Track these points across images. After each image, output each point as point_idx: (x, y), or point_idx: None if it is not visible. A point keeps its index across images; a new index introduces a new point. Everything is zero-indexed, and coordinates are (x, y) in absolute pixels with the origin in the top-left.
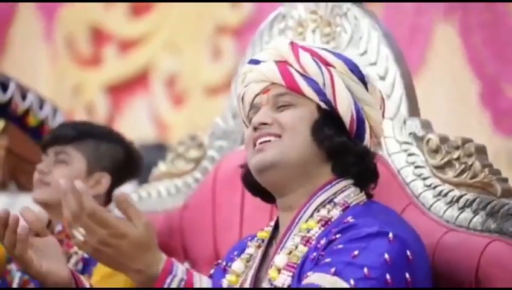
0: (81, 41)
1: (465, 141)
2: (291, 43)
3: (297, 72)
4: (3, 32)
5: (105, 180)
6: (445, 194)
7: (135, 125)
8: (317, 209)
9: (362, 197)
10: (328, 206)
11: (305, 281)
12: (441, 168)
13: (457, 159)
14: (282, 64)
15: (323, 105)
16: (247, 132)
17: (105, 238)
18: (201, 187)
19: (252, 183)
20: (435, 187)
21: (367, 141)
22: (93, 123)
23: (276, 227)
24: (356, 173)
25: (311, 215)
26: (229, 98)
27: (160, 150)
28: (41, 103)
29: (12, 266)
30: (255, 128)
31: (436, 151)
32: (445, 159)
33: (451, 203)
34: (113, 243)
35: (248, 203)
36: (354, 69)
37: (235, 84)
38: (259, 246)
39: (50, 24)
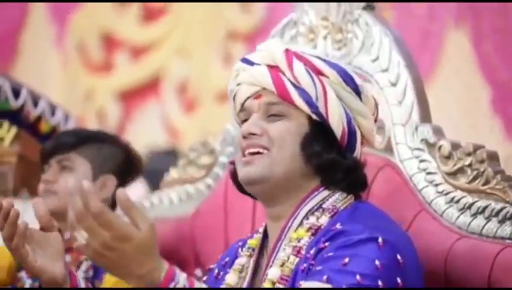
0: (93, 47)
1: (477, 148)
2: (286, 51)
3: (290, 81)
4: (14, 38)
5: (111, 182)
6: (458, 201)
7: (146, 132)
8: (306, 217)
9: (350, 199)
10: (316, 213)
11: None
12: (453, 174)
13: (470, 165)
14: (274, 70)
15: (314, 116)
16: (238, 135)
17: (108, 241)
18: (213, 194)
19: (239, 182)
20: (447, 194)
21: (358, 150)
22: (89, 129)
23: (266, 235)
24: (345, 186)
25: (301, 224)
26: None
27: (171, 156)
28: (53, 109)
29: (23, 274)
30: (244, 137)
31: (448, 157)
32: (457, 166)
33: (463, 209)
34: (116, 246)
35: (260, 209)
36: (348, 80)
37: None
38: (250, 256)
39: (61, 30)
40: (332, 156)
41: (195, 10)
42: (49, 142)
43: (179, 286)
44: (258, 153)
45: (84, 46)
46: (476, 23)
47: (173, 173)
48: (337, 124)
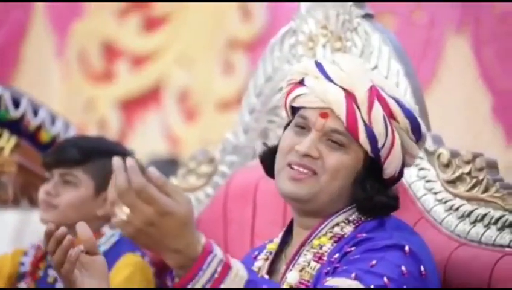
0: (93, 57)
1: (476, 156)
2: (370, 89)
3: (362, 119)
4: (15, 48)
5: None
6: (457, 209)
7: (147, 141)
8: (332, 228)
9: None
10: (342, 224)
11: (326, 284)
12: (452, 182)
13: (469, 173)
14: (350, 100)
15: (372, 155)
16: (288, 132)
17: (151, 216)
18: (212, 202)
19: (270, 166)
20: (446, 201)
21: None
22: (96, 139)
23: (284, 240)
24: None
25: (325, 233)
26: (241, 113)
27: (172, 165)
28: (53, 118)
29: (22, 285)
30: (297, 152)
31: (447, 165)
32: (457, 174)
33: (462, 217)
34: (158, 221)
35: (259, 218)
36: (416, 129)
37: (246, 99)
38: (267, 259)
39: (62, 39)
40: (379, 199)
41: (196, 19)
42: (53, 153)
43: (217, 259)
44: (307, 174)
45: (85, 55)
46: (477, 30)
47: (173, 182)
48: (390, 171)
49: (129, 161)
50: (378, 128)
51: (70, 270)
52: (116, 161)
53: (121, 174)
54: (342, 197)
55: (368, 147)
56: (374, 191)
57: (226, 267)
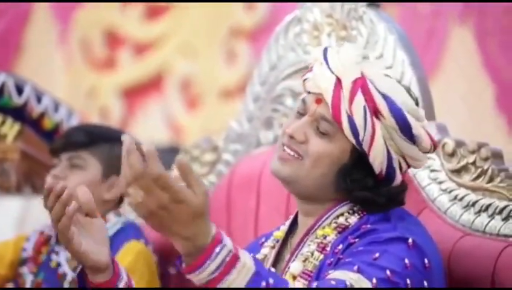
0: (96, 44)
1: (481, 145)
2: (355, 81)
3: (346, 111)
4: (18, 35)
5: (120, 184)
6: (461, 199)
7: (149, 129)
8: (336, 218)
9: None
10: (346, 214)
11: (328, 277)
12: (456, 172)
13: (473, 163)
14: (338, 88)
15: (358, 147)
16: (290, 117)
17: (165, 202)
18: (216, 191)
19: None
20: (450, 191)
21: (398, 177)
22: (103, 126)
23: (291, 228)
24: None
25: (329, 223)
26: (244, 101)
27: (174, 153)
28: (57, 106)
29: (25, 270)
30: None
31: (452, 155)
32: (461, 163)
33: (467, 207)
34: (171, 208)
35: (263, 207)
36: (405, 129)
37: (250, 88)
38: (273, 247)
39: (65, 27)
40: (361, 194)
41: (199, 7)
42: (61, 138)
43: (226, 249)
44: (293, 156)
45: (88, 43)
46: (480, 20)
47: (176, 170)
48: (376, 167)
49: (146, 145)
50: (357, 119)
51: (67, 225)
52: (126, 138)
53: (135, 155)
54: (327, 186)
55: (351, 138)
56: (355, 185)
57: (234, 259)
